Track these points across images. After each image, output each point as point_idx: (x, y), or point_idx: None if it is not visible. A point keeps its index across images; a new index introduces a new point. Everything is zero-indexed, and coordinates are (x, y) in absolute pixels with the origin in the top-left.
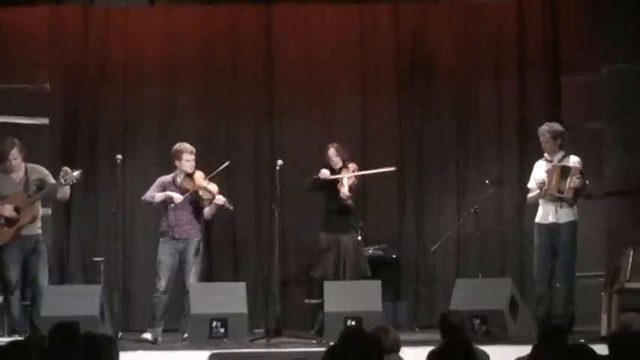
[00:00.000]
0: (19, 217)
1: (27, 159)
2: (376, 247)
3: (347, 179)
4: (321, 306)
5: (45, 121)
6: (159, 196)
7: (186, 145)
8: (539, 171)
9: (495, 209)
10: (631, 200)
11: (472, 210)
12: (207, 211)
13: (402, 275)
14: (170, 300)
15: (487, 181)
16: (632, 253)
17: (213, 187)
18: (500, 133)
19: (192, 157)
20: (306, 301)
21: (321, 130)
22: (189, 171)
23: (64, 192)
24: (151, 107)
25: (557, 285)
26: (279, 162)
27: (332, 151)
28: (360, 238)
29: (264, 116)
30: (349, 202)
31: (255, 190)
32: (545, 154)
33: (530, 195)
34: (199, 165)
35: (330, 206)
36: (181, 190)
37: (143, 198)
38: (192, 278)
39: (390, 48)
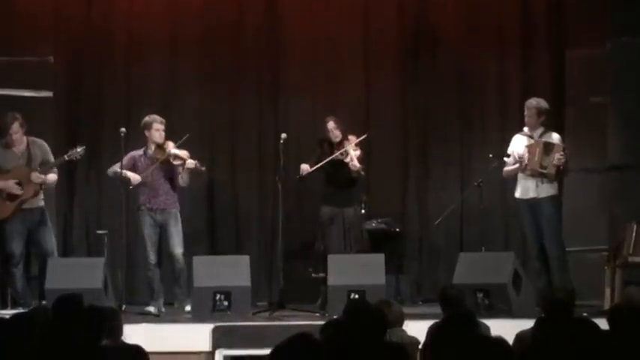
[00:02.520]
0: (22, 191)
1: (28, 133)
2: (379, 220)
3: (353, 151)
4: (324, 280)
5: (49, 94)
6: (115, 171)
7: (156, 116)
8: (519, 145)
9: (499, 183)
10: (634, 174)
11: (475, 184)
12: (181, 179)
13: (405, 249)
14: (163, 271)
15: (490, 155)
16: (635, 227)
17: (184, 153)
18: (504, 106)
19: (162, 127)
20: (313, 275)
21: (324, 103)
22: (160, 141)
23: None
24: (154, 80)
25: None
26: (283, 135)
27: (332, 124)
28: (363, 211)
29: (268, 89)
30: (362, 173)
31: (259, 164)
32: (525, 129)
33: (507, 168)
34: (205, 138)
35: (334, 180)
36: (152, 161)
37: (108, 171)
38: (178, 248)
39: (394, 21)
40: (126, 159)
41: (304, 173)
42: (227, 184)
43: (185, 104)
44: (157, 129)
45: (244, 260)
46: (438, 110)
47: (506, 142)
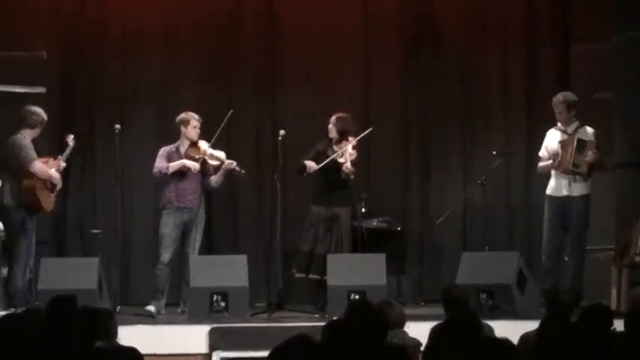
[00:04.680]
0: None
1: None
2: (380, 219)
3: (349, 154)
4: (321, 282)
5: (42, 89)
6: (173, 166)
7: (193, 113)
8: (552, 140)
9: (503, 181)
10: None
11: (479, 182)
12: (214, 179)
13: (406, 248)
14: (171, 272)
15: (494, 152)
16: None
17: (221, 154)
18: (508, 102)
19: (199, 124)
20: (296, 275)
21: (323, 99)
22: (195, 138)
23: None
24: (150, 75)
25: (566, 259)
26: (282, 132)
27: (332, 120)
28: (364, 210)
29: (266, 85)
30: (352, 177)
31: (257, 162)
32: (559, 124)
33: (541, 164)
34: (201, 136)
35: (326, 180)
36: (188, 159)
37: (157, 170)
38: (196, 252)
39: (395, 15)
40: (161, 155)
41: (311, 171)
42: (225, 182)
43: (181, 101)
44: (194, 126)
45: (242, 260)
46: (440, 106)
47: (510, 139)
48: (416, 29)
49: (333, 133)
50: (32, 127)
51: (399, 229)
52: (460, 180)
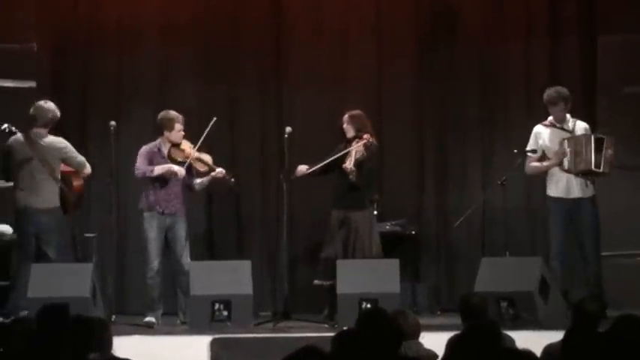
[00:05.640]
0: None
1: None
2: (394, 222)
3: (355, 152)
4: (331, 289)
5: (32, 84)
6: (158, 170)
7: (176, 114)
8: (549, 138)
9: (524, 181)
10: None
11: (499, 182)
12: (199, 182)
13: (422, 253)
14: (164, 280)
15: (515, 151)
16: None
17: (208, 158)
18: (530, 98)
19: (183, 126)
20: (315, 282)
21: (332, 95)
22: (179, 141)
23: None
24: (146, 70)
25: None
26: (288, 129)
27: (344, 119)
28: (375, 212)
29: (271, 80)
30: (351, 177)
31: (261, 161)
32: (550, 118)
33: (536, 164)
34: (198, 133)
35: (339, 181)
36: (172, 162)
37: (141, 173)
38: (186, 258)
39: (409, 9)
40: (143, 156)
41: (298, 174)
42: (222, 183)
43: (180, 97)
44: (178, 129)
45: (246, 266)
46: (458, 102)
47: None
48: (432, 23)
49: (349, 132)
50: (46, 125)
51: (413, 232)
52: (479, 180)
